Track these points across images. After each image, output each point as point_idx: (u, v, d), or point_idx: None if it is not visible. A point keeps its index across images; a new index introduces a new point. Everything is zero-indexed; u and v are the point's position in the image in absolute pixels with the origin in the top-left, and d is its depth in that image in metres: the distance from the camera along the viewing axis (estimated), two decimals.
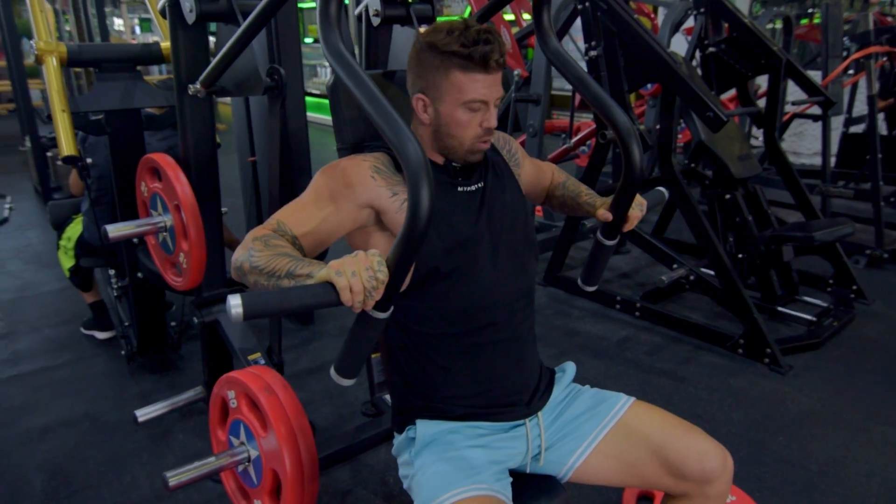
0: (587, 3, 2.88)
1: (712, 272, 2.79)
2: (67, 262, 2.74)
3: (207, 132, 1.68)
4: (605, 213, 1.28)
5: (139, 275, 2.35)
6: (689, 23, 4.10)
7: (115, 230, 1.62)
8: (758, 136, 5.37)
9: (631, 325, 3.01)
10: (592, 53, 2.93)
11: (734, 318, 2.77)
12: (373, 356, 1.77)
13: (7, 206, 4.90)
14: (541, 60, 3.35)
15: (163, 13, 1.54)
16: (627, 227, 1.30)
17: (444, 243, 1.14)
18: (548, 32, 1.32)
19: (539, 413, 1.26)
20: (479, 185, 1.22)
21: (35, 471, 2.02)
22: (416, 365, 1.21)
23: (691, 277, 2.84)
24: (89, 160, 2.44)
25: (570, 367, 1.38)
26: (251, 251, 0.99)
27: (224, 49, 1.35)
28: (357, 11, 1.71)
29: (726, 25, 3.27)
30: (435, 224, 1.14)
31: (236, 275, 1.02)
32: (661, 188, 1.44)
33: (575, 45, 3.38)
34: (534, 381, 1.28)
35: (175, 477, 1.36)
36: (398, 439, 1.26)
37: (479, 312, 1.18)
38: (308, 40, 10.17)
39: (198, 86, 1.52)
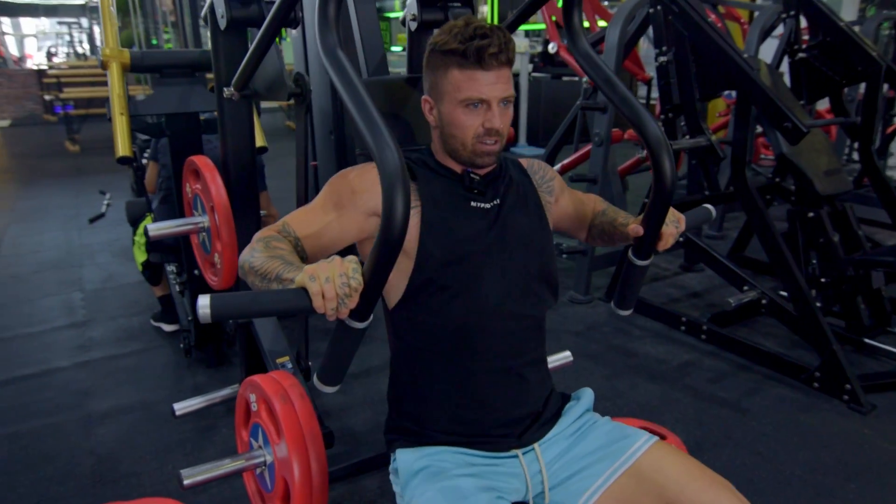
0: (658, 7, 2.73)
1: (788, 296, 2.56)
2: (140, 256, 2.90)
3: (246, 135, 1.71)
4: (635, 228, 1.18)
5: (196, 271, 2.44)
6: (781, 28, 3.83)
7: (155, 229, 1.68)
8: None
9: (695, 349, 2.82)
10: (662, 59, 2.78)
11: (813, 349, 2.52)
12: None
13: (105, 202, 5.30)
14: (610, 66, 3.21)
15: (205, 20, 1.59)
16: (662, 246, 1.20)
17: (443, 255, 1.09)
18: (578, 33, 1.26)
19: (536, 445, 1.16)
20: (496, 202, 1.16)
21: (87, 454, 2.14)
22: (407, 376, 1.17)
23: (763, 301, 2.61)
24: (161, 161, 2.56)
25: (585, 395, 1.27)
26: (253, 252, 0.99)
27: (248, 53, 1.37)
28: (401, 17, 1.70)
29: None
30: (434, 234, 1.10)
31: (241, 274, 1.01)
32: (707, 206, 1.32)
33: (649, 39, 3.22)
34: (534, 408, 1.18)
35: (190, 477, 1.37)
36: (391, 465, 1.21)
37: (475, 334, 1.11)
38: (396, 49, 10.39)
39: (231, 89, 1.56)
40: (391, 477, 1.19)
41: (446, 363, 1.13)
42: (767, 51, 3.47)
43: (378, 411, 2.38)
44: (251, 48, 1.35)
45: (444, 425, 1.14)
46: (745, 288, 2.64)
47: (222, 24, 1.45)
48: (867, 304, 2.75)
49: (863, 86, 2.96)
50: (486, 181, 1.16)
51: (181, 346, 2.74)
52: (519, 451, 1.14)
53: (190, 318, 2.79)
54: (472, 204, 1.15)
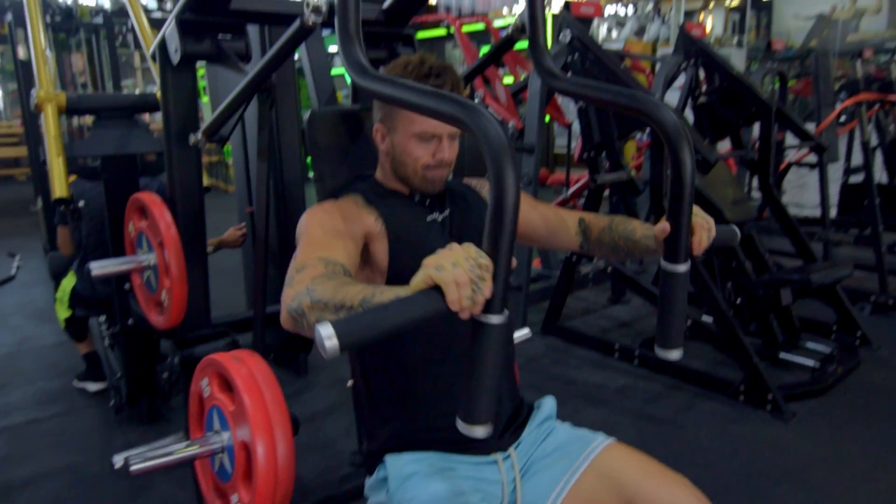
0: (576, 55, 2.96)
1: (712, 319, 2.75)
2: (63, 312, 2.76)
3: (194, 173, 1.72)
4: (663, 228, 1.01)
5: (130, 321, 2.35)
6: (681, 80, 4.21)
7: (99, 268, 1.64)
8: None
9: (630, 374, 2.95)
10: (581, 104, 2.99)
11: (735, 366, 2.71)
12: None
13: (16, 263, 4.99)
14: (534, 112, 3.43)
15: (154, 57, 1.61)
16: (697, 243, 1.06)
17: (415, 266, 1.13)
18: (552, 72, 1.19)
19: (511, 449, 1.21)
20: (446, 212, 1.24)
21: None
22: (389, 389, 1.19)
23: (689, 323, 2.79)
24: (81, 203, 2.48)
25: (547, 403, 1.33)
26: (311, 287, 0.88)
27: (225, 104, 1.40)
28: None
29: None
30: (403, 248, 1.15)
31: (292, 324, 0.90)
32: (733, 226, 1.21)
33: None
34: (506, 414, 1.24)
35: (139, 463, 1.23)
36: (370, 481, 1.22)
37: (448, 340, 1.16)
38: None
39: (199, 136, 1.58)
40: (367, 491, 1.20)
41: (428, 369, 1.16)
42: (670, 99, 3.81)
43: (327, 455, 2.33)
44: (229, 99, 1.38)
45: (428, 430, 1.16)
46: None
47: (175, 58, 1.47)
48: (779, 322, 2.98)
49: (757, 127, 3.31)
50: (434, 197, 1.24)
51: (111, 404, 2.60)
52: (499, 456, 1.18)
53: (119, 375, 2.66)
54: (429, 218, 1.22)
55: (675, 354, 1.03)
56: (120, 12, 5.35)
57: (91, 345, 2.88)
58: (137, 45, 6.32)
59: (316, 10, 1.12)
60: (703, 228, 1.06)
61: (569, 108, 4.62)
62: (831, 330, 3.15)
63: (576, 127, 3.48)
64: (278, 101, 2.38)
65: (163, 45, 1.52)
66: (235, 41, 1.52)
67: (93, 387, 2.87)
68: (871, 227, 3.65)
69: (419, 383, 1.17)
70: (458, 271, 0.73)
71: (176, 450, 1.22)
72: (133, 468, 1.21)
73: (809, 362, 2.82)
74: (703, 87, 3.40)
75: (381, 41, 1.67)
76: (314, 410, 2.69)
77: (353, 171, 1.38)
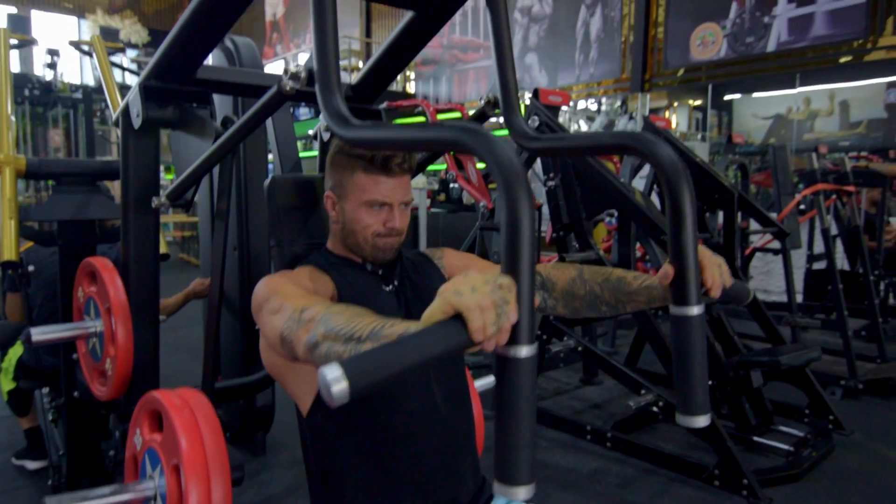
0: None
1: None
2: (7, 384, 2.61)
3: (150, 240, 1.67)
4: (665, 271, 0.95)
5: (75, 394, 2.22)
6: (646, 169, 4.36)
7: (40, 333, 1.55)
8: None
9: (602, 457, 2.84)
10: (550, 184, 3.06)
11: (709, 449, 2.63)
12: None
13: None
14: None
15: (116, 124, 1.60)
16: (710, 281, 0.96)
17: None
18: (527, 133, 1.18)
19: None
20: (395, 283, 1.22)
21: None
22: (334, 478, 1.12)
23: (660, 403, 2.73)
24: (31, 268, 2.40)
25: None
26: (326, 316, 0.83)
27: (193, 168, 1.39)
28: (313, 133, 1.79)
29: None
30: None
31: (310, 356, 0.85)
32: (745, 284, 1.13)
33: (536, 175, 3.54)
34: (467, 495, 1.16)
35: None
36: None
37: (400, 417, 1.11)
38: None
39: (163, 199, 1.56)
40: None
41: (376, 451, 1.10)
42: (636, 186, 3.93)
43: None
44: (197, 163, 1.37)
45: None
46: (643, 392, 2.76)
47: (136, 122, 1.47)
48: (751, 405, 2.94)
49: (721, 214, 3.40)
50: (386, 266, 1.22)
51: (49, 483, 2.41)
52: None
53: (61, 453, 2.49)
54: (383, 287, 1.19)
55: (701, 421, 0.91)
56: (100, 88, 5.45)
57: (34, 419, 2.71)
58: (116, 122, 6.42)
59: (294, 77, 1.13)
60: (714, 264, 0.97)
61: (538, 191, 4.72)
62: (804, 413, 3.11)
63: (545, 210, 3.54)
64: (249, 169, 2.37)
65: (126, 111, 1.52)
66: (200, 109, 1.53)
67: (32, 465, 2.68)
68: (836, 313, 3.69)
69: (391, 465, 1.10)
70: (479, 295, 0.66)
71: (104, 496, 1.14)
72: None
73: (784, 446, 2.76)
74: None
75: None
76: (270, 493, 2.52)
77: (313, 239, 1.36)
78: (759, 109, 6.95)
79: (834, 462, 2.75)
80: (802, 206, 4.15)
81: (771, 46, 6.40)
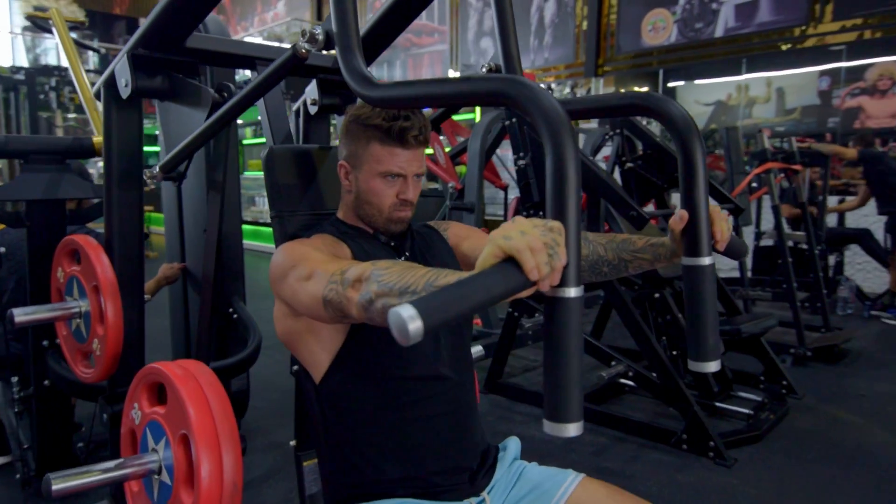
0: (514, 119, 3.10)
1: (652, 373, 2.81)
2: None
3: (135, 215, 1.63)
4: (680, 214, 0.98)
5: (46, 382, 2.15)
6: (606, 151, 4.47)
7: (23, 315, 1.50)
8: None
9: None
10: (521, 163, 3.10)
11: (675, 417, 2.76)
12: (305, 464, 1.64)
13: None
14: (473, 172, 3.53)
15: (97, 96, 1.55)
16: (719, 234, 1.00)
17: None
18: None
19: (485, 493, 1.17)
20: (406, 255, 1.23)
21: None
22: (349, 444, 1.13)
23: (630, 374, 2.84)
24: (2, 250, 2.30)
25: (512, 444, 1.30)
26: (376, 273, 0.84)
27: (190, 138, 1.36)
28: (295, 107, 1.77)
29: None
30: None
31: (365, 315, 0.87)
32: (743, 241, 1.17)
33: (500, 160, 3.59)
34: (476, 457, 1.20)
35: (61, 482, 1.13)
36: None
37: (413, 382, 1.13)
38: (248, 174, 10.36)
39: (156, 170, 1.52)
40: None
41: (390, 415, 1.12)
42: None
43: None
44: (195, 134, 1.34)
45: (398, 477, 1.11)
46: (613, 363, 2.86)
47: (125, 93, 1.42)
48: (713, 373, 3.09)
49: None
50: (397, 237, 1.23)
51: (17, 476, 2.32)
52: (473, 501, 1.14)
53: (26, 446, 2.40)
54: (396, 258, 1.20)
55: (711, 366, 0.95)
56: (44, 70, 5.17)
57: None
58: (60, 105, 6.11)
59: (312, 38, 1.11)
60: (722, 218, 1.01)
61: (504, 173, 4.78)
62: (759, 380, 3.28)
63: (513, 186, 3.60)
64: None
65: (110, 82, 1.47)
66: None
67: None
68: (786, 285, 3.89)
69: (405, 428, 1.12)
70: (530, 238, 0.67)
71: (107, 470, 1.13)
72: (55, 488, 1.11)
73: (744, 410, 2.91)
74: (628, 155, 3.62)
75: (335, 88, 1.68)
76: (250, 477, 2.50)
77: (313, 209, 1.35)
78: (701, 96, 7.21)
79: (790, 423, 2.93)
80: (754, 184, 4.34)
81: (719, 32, 6.62)
